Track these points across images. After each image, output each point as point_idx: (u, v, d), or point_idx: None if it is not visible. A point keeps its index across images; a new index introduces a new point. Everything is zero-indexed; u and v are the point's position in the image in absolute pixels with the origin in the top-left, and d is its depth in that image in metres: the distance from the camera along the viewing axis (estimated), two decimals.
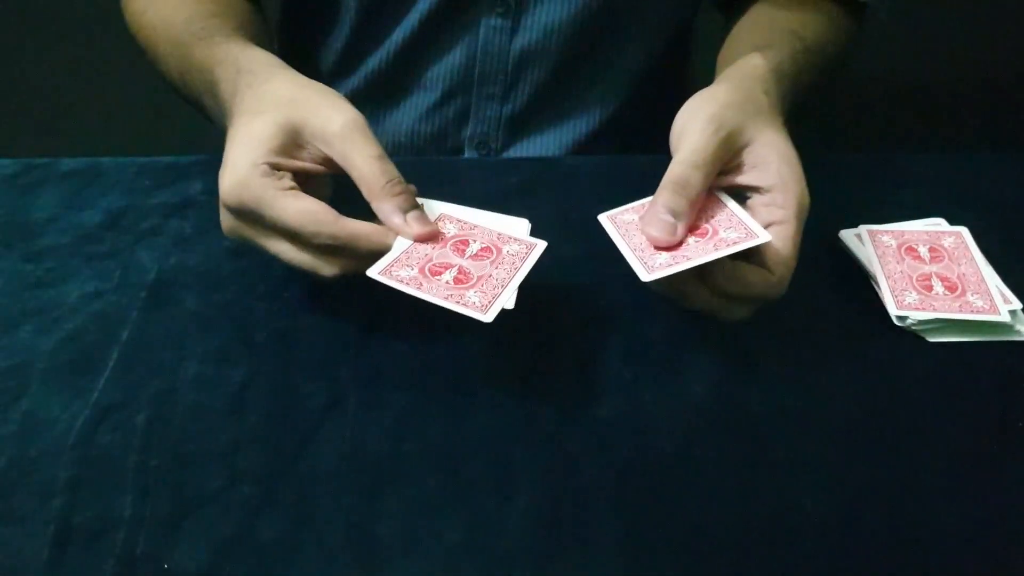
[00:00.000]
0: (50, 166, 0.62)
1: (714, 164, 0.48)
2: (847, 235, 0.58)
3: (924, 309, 0.52)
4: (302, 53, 0.77)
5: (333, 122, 0.46)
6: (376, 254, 0.46)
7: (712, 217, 0.48)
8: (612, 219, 0.51)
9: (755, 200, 0.49)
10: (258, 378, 0.48)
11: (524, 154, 0.74)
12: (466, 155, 0.74)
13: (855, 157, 0.67)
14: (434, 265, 0.47)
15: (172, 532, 0.41)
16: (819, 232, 0.59)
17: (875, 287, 0.55)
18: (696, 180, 0.47)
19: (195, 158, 0.64)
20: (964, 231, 0.58)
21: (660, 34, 0.73)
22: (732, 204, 0.49)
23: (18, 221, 0.58)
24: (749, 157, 0.49)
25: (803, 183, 0.48)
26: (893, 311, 0.52)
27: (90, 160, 0.63)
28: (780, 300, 0.53)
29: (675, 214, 0.47)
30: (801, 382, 0.49)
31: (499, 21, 0.68)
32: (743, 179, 0.49)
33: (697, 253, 0.46)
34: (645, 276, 0.46)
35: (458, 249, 0.48)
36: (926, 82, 1.38)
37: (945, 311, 0.52)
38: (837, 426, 0.47)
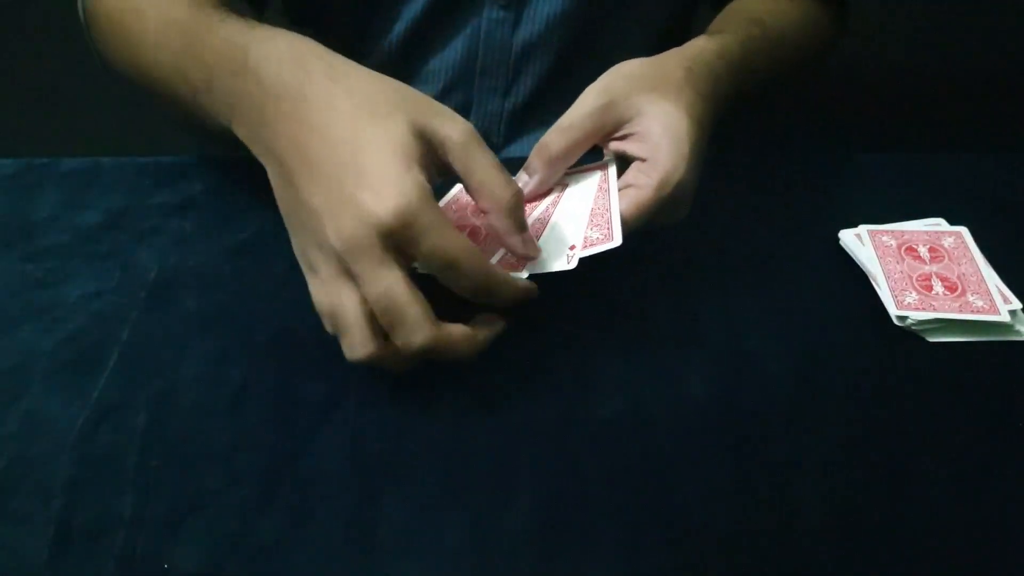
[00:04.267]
0: (50, 166, 0.62)
1: (584, 130, 0.50)
2: (847, 235, 0.58)
3: (924, 309, 0.52)
4: None
5: (453, 132, 0.42)
6: (515, 302, 0.44)
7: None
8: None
9: (633, 165, 0.51)
10: (258, 378, 0.48)
11: (526, 149, 0.74)
12: None
13: (855, 157, 0.68)
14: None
15: (172, 532, 0.41)
16: (819, 232, 0.59)
17: (875, 287, 0.55)
18: (555, 143, 0.50)
19: (196, 158, 0.64)
20: (964, 231, 0.58)
21: (659, 26, 0.73)
22: (614, 205, 0.49)
23: (18, 221, 0.58)
24: (637, 127, 0.50)
25: (679, 159, 0.48)
26: (893, 311, 0.52)
27: (90, 160, 0.63)
28: (781, 300, 0.54)
29: (528, 172, 0.51)
30: (801, 382, 0.49)
31: (501, 13, 0.68)
32: (627, 147, 0.51)
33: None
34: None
35: (477, 210, 0.51)
36: (926, 81, 1.38)
37: (945, 311, 0.52)
38: (837, 426, 0.47)
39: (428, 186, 0.40)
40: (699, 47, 0.55)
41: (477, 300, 0.43)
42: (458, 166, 0.43)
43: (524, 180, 0.51)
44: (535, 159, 0.50)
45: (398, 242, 0.40)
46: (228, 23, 0.48)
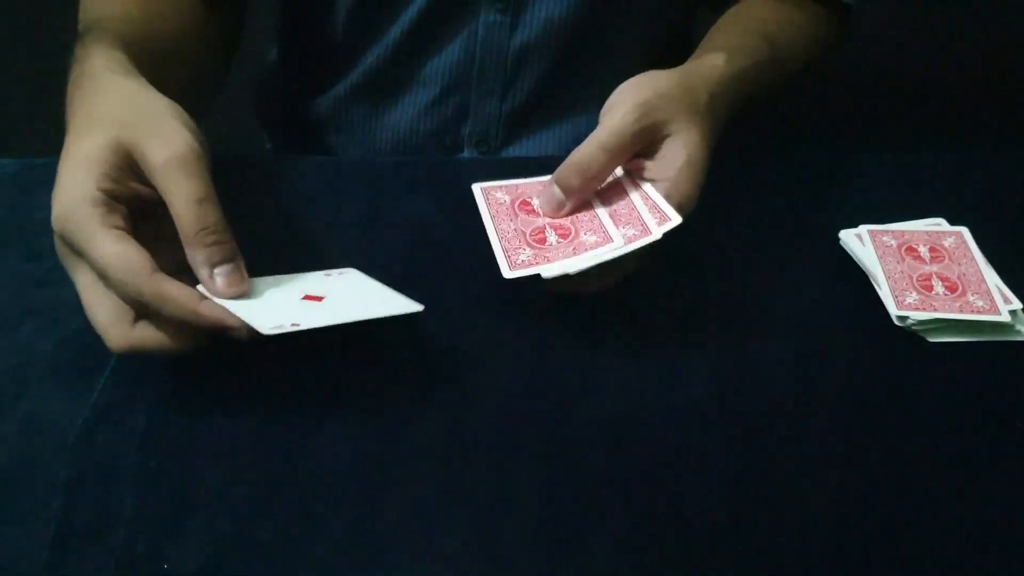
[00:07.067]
0: (50, 166, 0.62)
1: (624, 149, 0.50)
2: (847, 235, 0.58)
3: (924, 309, 0.52)
4: (302, 49, 0.77)
5: (157, 153, 0.42)
6: (183, 323, 0.42)
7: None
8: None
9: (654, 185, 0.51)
10: (258, 378, 0.48)
11: (524, 152, 0.74)
12: (465, 152, 0.74)
13: (855, 157, 0.68)
14: (531, 234, 0.49)
15: (172, 532, 0.41)
16: (819, 232, 0.59)
17: (875, 287, 0.55)
18: (598, 162, 0.49)
19: None
20: (964, 231, 0.58)
21: (658, 29, 0.73)
22: (653, 193, 0.49)
23: (18, 221, 0.57)
24: (664, 152, 0.50)
25: (696, 190, 0.50)
26: (893, 311, 0.52)
27: None
28: (781, 300, 0.53)
29: (567, 191, 0.50)
30: (801, 382, 0.49)
31: (498, 17, 0.68)
32: (648, 166, 0.51)
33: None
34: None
35: (528, 211, 0.51)
36: (926, 81, 1.38)
37: (945, 311, 0.52)
38: (837, 426, 0.47)
39: (99, 196, 0.42)
40: (720, 72, 0.55)
41: (148, 315, 0.42)
42: (159, 190, 0.43)
43: (559, 198, 0.50)
44: (574, 178, 0.49)
45: (68, 245, 0.43)
46: (79, 42, 0.51)
